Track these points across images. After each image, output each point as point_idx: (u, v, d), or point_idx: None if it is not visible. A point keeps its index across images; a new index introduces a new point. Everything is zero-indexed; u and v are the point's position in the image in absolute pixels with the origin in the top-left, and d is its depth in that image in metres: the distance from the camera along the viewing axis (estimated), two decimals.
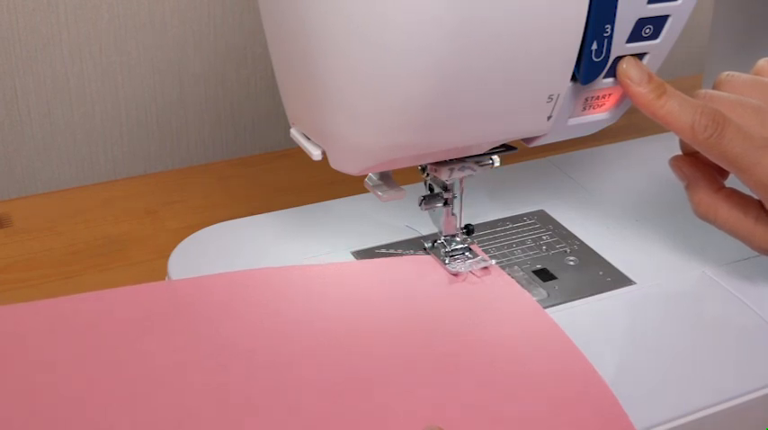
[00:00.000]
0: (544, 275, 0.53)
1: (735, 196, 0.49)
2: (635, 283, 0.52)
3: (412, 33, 0.40)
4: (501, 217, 0.58)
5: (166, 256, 0.53)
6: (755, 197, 0.49)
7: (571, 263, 0.54)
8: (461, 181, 0.51)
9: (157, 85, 0.75)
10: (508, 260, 0.54)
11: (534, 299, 0.50)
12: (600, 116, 0.49)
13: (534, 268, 0.54)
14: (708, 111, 0.46)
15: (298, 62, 0.46)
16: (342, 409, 0.42)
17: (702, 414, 0.44)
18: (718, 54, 0.67)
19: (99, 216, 0.65)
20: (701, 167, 0.50)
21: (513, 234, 0.57)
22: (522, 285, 0.51)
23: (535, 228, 0.57)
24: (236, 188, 0.70)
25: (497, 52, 0.42)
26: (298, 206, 0.59)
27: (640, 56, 0.47)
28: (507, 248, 0.55)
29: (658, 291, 0.52)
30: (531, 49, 0.43)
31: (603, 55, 0.45)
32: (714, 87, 0.50)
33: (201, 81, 0.76)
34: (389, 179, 0.50)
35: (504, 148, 0.50)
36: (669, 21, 0.46)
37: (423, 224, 0.55)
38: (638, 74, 0.47)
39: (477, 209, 0.58)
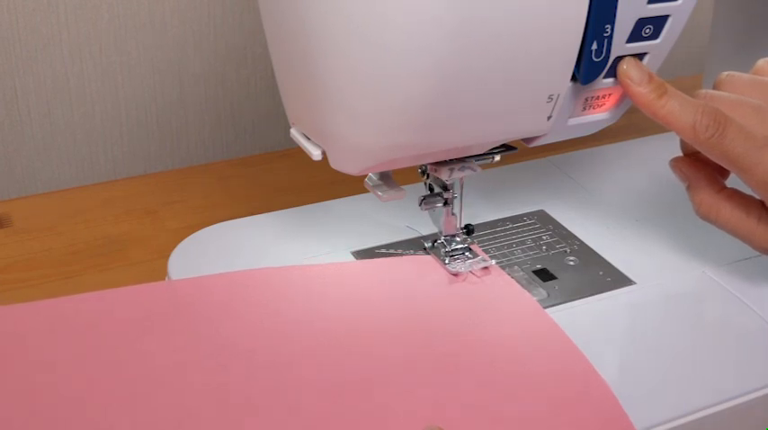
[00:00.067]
0: (544, 275, 0.53)
1: (737, 196, 0.49)
2: (635, 283, 0.52)
3: (412, 33, 0.40)
4: (501, 217, 0.58)
5: (166, 256, 0.53)
6: (757, 197, 0.49)
7: (571, 263, 0.54)
8: (461, 181, 0.51)
9: (157, 85, 0.75)
10: (508, 260, 0.54)
11: (534, 299, 0.50)
12: (600, 116, 0.49)
13: (534, 268, 0.54)
14: (709, 111, 0.46)
15: (298, 62, 0.46)
16: (342, 409, 0.42)
17: (702, 414, 0.44)
18: (718, 54, 0.67)
19: (99, 216, 0.65)
20: (701, 168, 0.50)
21: (513, 234, 0.57)
22: (522, 285, 0.51)
23: (535, 228, 0.57)
24: (236, 188, 0.70)
25: (497, 52, 0.42)
26: (298, 206, 0.59)
27: (640, 56, 0.47)
28: (507, 248, 0.55)
29: (658, 291, 0.52)
30: (531, 49, 0.43)
31: (603, 55, 0.45)
32: (714, 87, 0.50)
33: (201, 81, 0.76)
34: (389, 179, 0.50)
35: (504, 148, 0.50)
36: (669, 21, 0.46)
37: (423, 224, 0.55)
38: (638, 74, 0.47)
39: (477, 209, 0.58)
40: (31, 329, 0.45)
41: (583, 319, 0.49)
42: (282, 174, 0.72)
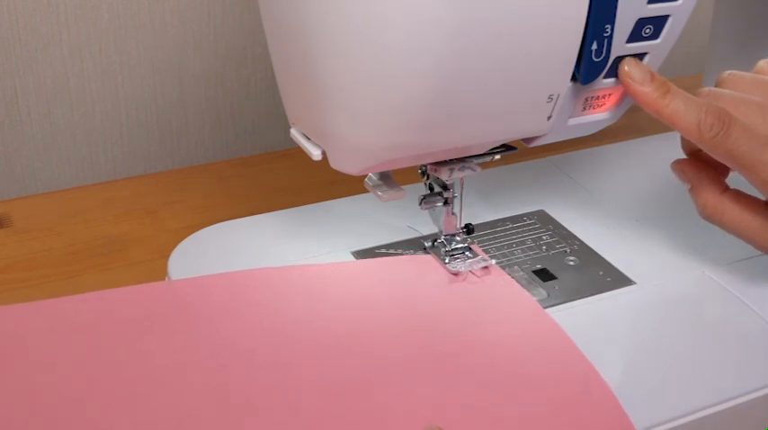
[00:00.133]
0: (544, 275, 0.53)
1: (741, 197, 0.49)
2: (635, 283, 0.52)
3: (412, 33, 0.40)
4: (501, 217, 0.58)
5: (166, 256, 0.53)
6: (760, 196, 0.49)
7: (571, 263, 0.54)
8: (461, 180, 0.51)
9: (157, 85, 0.75)
10: (508, 260, 0.54)
11: (534, 299, 0.50)
12: (600, 116, 0.49)
13: (534, 268, 0.54)
14: (713, 110, 0.46)
15: (298, 62, 0.46)
16: (342, 409, 0.42)
17: (702, 414, 0.44)
18: (718, 54, 0.67)
19: (99, 216, 0.65)
20: (704, 169, 0.50)
21: (513, 234, 0.57)
22: (522, 285, 0.51)
23: (535, 228, 0.57)
24: (236, 188, 0.70)
25: (497, 52, 0.42)
26: (298, 206, 0.59)
27: (640, 56, 0.47)
28: (507, 248, 0.55)
29: (658, 291, 0.52)
30: (531, 49, 0.43)
31: (603, 55, 0.45)
32: (716, 86, 0.50)
33: (201, 81, 0.76)
34: (389, 179, 0.50)
35: (504, 148, 0.50)
36: (669, 21, 0.46)
37: (423, 224, 0.55)
38: (640, 74, 0.46)
39: (477, 208, 0.58)
40: (31, 329, 0.45)
41: (583, 319, 0.49)
42: (282, 174, 0.72)
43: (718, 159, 0.48)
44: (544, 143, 0.49)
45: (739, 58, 0.65)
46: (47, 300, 0.47)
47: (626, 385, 0.44)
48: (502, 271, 0.52)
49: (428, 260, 0.52)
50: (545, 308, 0.49)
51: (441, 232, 0.52)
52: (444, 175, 0.49)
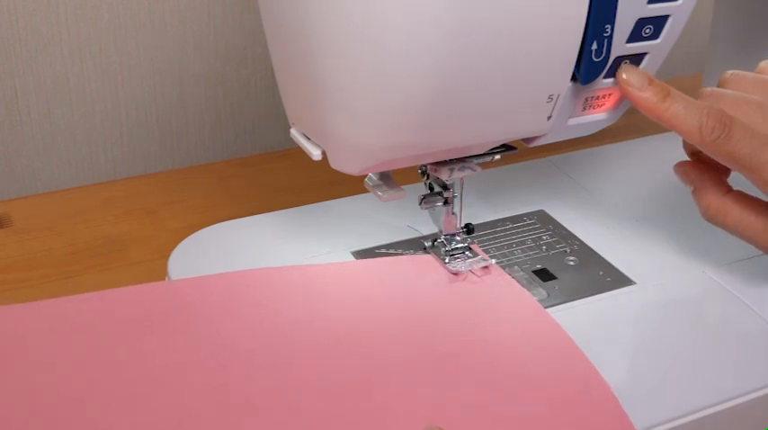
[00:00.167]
0: (544, 275, 0.53)
1: (744, 198, 0.49)
2: (635, 283, 0.52)
3: (412, 33, 0.40)
4: (501, 217, 0.58)
5: (166, 256, 0.53)
6: (763, 197, 0.48)
7: (571, 263, 0.54)
8: (461, 180, 0.51)
9: (157, 85, 0.75)
10: (508, 260, 0.54)
11: (535, 298, 0.50)
12: (600, 116, 0.49)
13: (534, 268, 0.54)
14: (714, 113, 0.46)
15: (298, 62, 0.45)
16: (342, 409, 0.42)
17: (702, 414, 0.44)
18: (718, 54, 0.67)
19: (99, 216, 0.65)
20: (706, 171, 0.50)
21: (513, 234, 0.57)
22: (522, 285, 0.51)
23: (535, 228, 0.57)
24: (236, 188, 0.70)
25: (497, 52, 0.42)
26: (298, 206, 0.59)
27: (640, 56, 0.47)
28: (507, 248, 0.55)
29: (658, 291, 0.52)
30: (531, 49, 0.43)
31: (603, 55, 0.45)
32: (718, 86, 0.50)
33: (201, 81, 0.76)
34: (389, 179, 0.50)
35: (504, 148, 0.50)
36: (669, 21, 0.46)
37: (423, 224, 0.55)
38: (638, 79, 0.46)
39: (477, 208, 0.58)
40: (31, 329, 0.45)
41: (583, 319, 0.49)
42: (282, 174, 0.72)
43: (720, 162, 0.48)
44: (544, 143, 0.49)
45: (739, 58, 0.65)
46: (47, 300, 0.47)
47: (626, 385, 0.44)
48: (502, 270, 0.52)
49: (428, 260, 0.52)
50: (545, 308, 0.49)
51: (441, 232, 0.52)
52: (444, 175, 0.49)
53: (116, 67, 0.73)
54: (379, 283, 0.51)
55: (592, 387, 0.44)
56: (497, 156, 0.50)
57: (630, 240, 0.56)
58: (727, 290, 0.52)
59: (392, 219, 0.57)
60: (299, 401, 0.42)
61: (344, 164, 0.47)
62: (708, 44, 0.68)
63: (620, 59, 0.46)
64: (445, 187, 0.51)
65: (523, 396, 0.43)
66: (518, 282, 0.51)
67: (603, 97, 0.48)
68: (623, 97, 0.49)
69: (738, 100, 0.48)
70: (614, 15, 0.44)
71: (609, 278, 0.53)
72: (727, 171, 0.50)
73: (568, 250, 0.55)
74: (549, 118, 0.46)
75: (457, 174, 0.49)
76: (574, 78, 0.45)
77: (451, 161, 0.49)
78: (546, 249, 0.55)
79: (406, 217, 0.56)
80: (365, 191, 0.50)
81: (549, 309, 0.49)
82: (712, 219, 0.50)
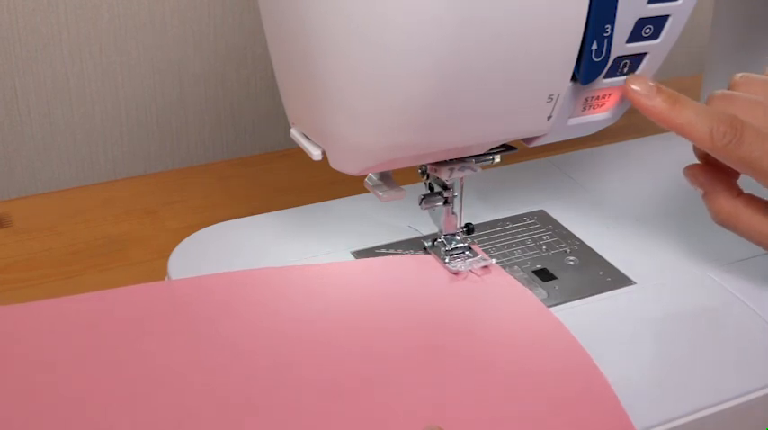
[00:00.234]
0: (544, 275, 0.53)
1: (755, 201, 0.49)
2: (635, 283, 0.52)
3: (412, 33, 0.40)
4: (501, 217, 0.58)
5: (166, 256, 0.53)
6: None
7: (571, 263, 0.54)
8: (461, 180, 0.51)
9: (157, 85, 0.75)
10: (508, 260, 0.54)
11: (536, 297, 0.50)
12: (600, 116, 0.49)
13: (534, 268, 0.54)
14: (725, 118, 0.46)
15: (298, 62, 0.45)
16: (342, 409, 0.42)
17: (702, 414, 0.44)
18: (718, 54, 0.67)
19: (99, 216, 0.65)
20: (717, 174, 0.50)
21: (513, 234, 0.57)
22: (522, 285, 0.51)
23: (535, 228, 0.57)
24: (236, 188, 0.70)
25: (497, 52, 0.42)
26: (298, 206, 0.59)
27: (640, 56, 0.47)
28: (507, 248, 0.55)
29: (658, 291, 0.52)
30: (531, 49, 0.43)
31: (603, 55, 0.45)
32: (729, 88, 0.50)
33: (201, 81, 0.76)
34: (389, 179, 0.50)
35: (504, 148, 0.50)
36: (669, 21, 0.46)
37: (423, 224, 0.55)
38: (646, 88, 0.46)
39: (477, 208, 0.58)
40: (31, 329, 0.45)
41: (583, 319, 0.49)
42: (282, 174, 0.72)
43: (732, 166, 0.47)
44: (544, 143, 0.49)
45: (739, 58, 0.65)
46: (47, 300, 0.47)
47: (626, 385, 0.44)
48: (502, 270, 0.52)
49: (428, 260, 0.52)
50: None
51: (441, 232, 0.52)
52: (444, 175, 0.49)
53: (116, 67, 0.73)
54: (378, 283, 0.51)
55: (593, 385, 0.44)
56: (497, 159, 0.50)
57: (630, 240, 0.56)
58: (727, 290, 0.52)
59: (392, 219, 0.57)
60: (298, 401, 0.42)
61: (344, 164, 0.47)
62: (708, 44, 0.68)
63: (620, 59, 0.46)
64: (445, 187, 0.51)
65: (524, 395, 0.43)
66: (518, 281, 0.51)
67: (603, 97, 0.48)
68: (623, 97, 0.48)
69: (751, 103, 0.47)
70: (614, 15, 0.44)
71: (609, 278, 0.53)
72: (736, 174, 0.50)
73: (568, 250, 0.55)
74: (549, 118, 0.46)
75: (457, 175, 0.49)
76: (574, 78, 0.45)
77: (451, 161, 0.49)
78: (546, 249, 0.55)
79: (406, 217, 0.56)
80: (365, 191, 0.50)
81: (549, 309, 0.49)
82: (723, 222, 0.49)
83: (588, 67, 0.45)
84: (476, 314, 0.49)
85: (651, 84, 0.47)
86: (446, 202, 0.51)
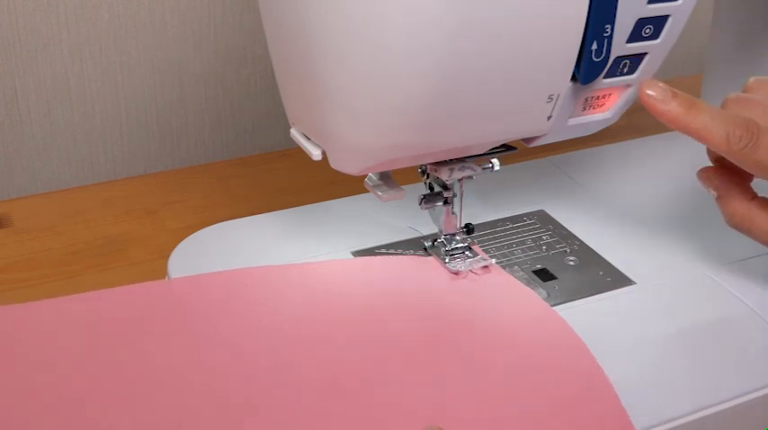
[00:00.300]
0: (544, 275, 0.53)
1: None
2: (635, 283, 0.52)
3: (412, 33, 0.40)
4: (501, 217, 0.58)
5: (166, 256, 0.53)
6: None
7: (571, 263, 0.54)
8: (461, 182, 0.51)
9: (157, 85, 0.75)
10: (508, 260, 0.54)
11: (537, 295, 0.50)
12: (600, 116, 0.49)
13: (534, 268, 0.54)
14: (741, 122, 0.46)
15: (298, 62, 0.46)
16: (342, 409, 0.42)
17: (702, 414, 0.44)
18: (718, 54, 0.67)
19: (99, 216, 0.65)
20: (731, 177, 0.50)
21: (513, 234, 0.57)
22: (524, 285, 0.51)
23: (535, 228, 0.57)
24: (236, 188, 0.70)
25: (497, 52, 0.42)
26: (298, 206, 0.59)
27: (640, 56, 0.47)
28: (507, 248, 0.55)
29: (658, 291, 0.52)
30: (531, 49, 0.43)
31: (603, 55, 0.45)
32: (743, 92, 0.50)
33: (201, 81, 0.76)
34: (389, 179, 0.50)
35: (504, 148, 0.50)
36: (669, 21, 0.46)
37: (423, 224, 0.55)
38: (661, 92, 0.46)
39: (477, 208, 0.58)
40: (31, 329, 0.45)
41: (583, 319, 0.49)
42: (282, 174, 0.72)
43: (747, 170, 0.47)
44: (544, 143, 0.49)
45: (739, 58, 0.65)
46: (47, 300, 0.47)
47: (626, 385, 0.44)
48: (502, 270, 0.52)
49: (429, 260, 0.52)
50: None
51: (441, 232, 0.52)
52: (444, 175, 0.49)
53: (116, 67, 0.73)
54: (378, 281, 0.51)
55: (595, 385, 0.44)
56: (497, 167, 0.50)
57: (630, 240, 0.56)
58: (727, 289, 0.52)
59: (392, 219, 0.57)
60: (298, 401, 0.42)
61: (344, 164, 0.47)
62: (708, 44, 0.68)
63: (620, 59, 0.46)
64: (445, 187, 0.51)
65: (524, 394, 0.43)
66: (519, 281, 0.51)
67: (603, 97, 0.48)
68: (623, 97, 0.49)
69: (765, 106, 0.47)
70: (614, 15, 0.44)
71: (609, 278, 0.53)
72: (750, 176, 0.50)
73: (568, 250, 0.55)
74: (549, 118, 0.46)
75: (457, 175, 0.49)
76: (574, 78, 0.45)
77: (451, 161, 0.49)
78: (546, 249, 0.55)
79: (407, 217, 0.56)
80: (365, 191, 0.50)
81: (553, 308, 0.49)
82: (737, 225, 0.49)
83: (588, 67, 0.45)
84: (477, 312, 0.49)
85: (666, 88, 0.46)
86: (446, 202, 0.51)
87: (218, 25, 0.75)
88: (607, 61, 0.45)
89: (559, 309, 0.50)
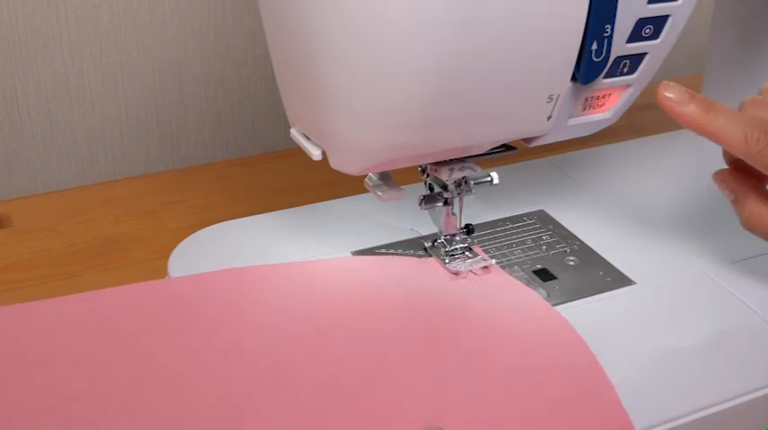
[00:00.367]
0: (544, 275, 0.53)
1: None
2: (635, 283, 0.52)
3: (412, 33, 0.40)
4: (501, 217, 0.58)
5: (166, 256, 0.53)
6: None
7: (571, 263, 0.54)
8: (461, 181, 0.51)
9: (157, 85, 0.75)
10: (508, 260, 0.54)
11: (538, 294, 0.50)
12: (600, 116, 0.49)
13: (534, 268, 0.54)
14: (759, 124, 0.46)
15: (298, 62, 0.46)
16: (342, 409, 0.42)
17: (702, 414, 0.44)
18: (718, 54, 0.67)
19: (99, 216, 0.65)
20: (747, 180, 0.50)
21: (513, 234, 0.57)
22: (522, 284, 0.51)
23: (535, 228, 0.57)
24: (236, 188, 0.70)
25: (497, 52, 0.42)
26: (298, 206, 0.59)
27: (640, 56, 0.47)
28: (507, 248, 0.55)
29: (658, 290, 0.52)
30: (531, 49, 0.43)
31: (603, 55, 0.45)
32: (760, 94, 0.50)
33: (201, 81, 0.76)
34: (389, 179, 0.50)
35: (504, 148, 0.50)
36: (669, 21, 0.46)
37: (423, 224, 0.55)
38: (679, 94, 0.46)
39: (477, 209, 0.58)
40: (31, 329, 0.45)
41: (583, 319, 0.49)
42: (282, 174, 0.72)
43: (765, 172, 0.47)
44: (544, 143, 0.49)
45: (739, 58, 0.65)
46: (47, 300, 0.47)
47: (626, 385, 0.44)
48: (502, 270, 0.52)
49: (429, 261, 0.52)
50: None
51: (441, 232, 0.52)
52: (444, 176, 0.49)
53: (116, 67, 0.73)
54: (379, 279, 0.51)
55: (595, 384, 0.44)
56: (496, 181, 0.50)
57: (630, 240, 0.56)
58: (727, 289, 0.52)
59: (392, 219, 0.57)
60: (299, 400, 0.42)
61: (344, 164, 0.47)
62: (708, 44, 0.68)
63: (620, 59, 0.46)
64: (445, 187, 0.51)
65: (524, 394, 0.43)
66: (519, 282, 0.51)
67: (603, 97, 0.48)
68: (623, 97, 0.49)
69: None
70: (614, 15, 0.44)
71: (609, 278, 0.53)
72: (767, 179, 0.50)
73: (568, 250, 0.55)
74: (549, 118, 0.46)
75: (457, 175, 0.49)
76: (574, 78, 0.45)
77: (451, 161, 0.49)
78: (546, 249, 0.55)
79: (407, 217, 0.56)
80: (365, 191, 0.50)
81: (554, 308, 0.49)
82: (754, 227, 0.49)
83: (588, 67, 0.45)
84: (477, 311, 0.49)
85: (684, 90, 0.46)
86: (446, 203, 0.51)
87: (218, 25, 0.75)
88: (607, 61, 0.45)
89: (559, 309, 0.50)
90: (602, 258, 0.54)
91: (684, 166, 0.64)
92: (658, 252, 0.55)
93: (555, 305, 0.50)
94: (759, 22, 0.63)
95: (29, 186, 0.74)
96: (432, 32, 0.40)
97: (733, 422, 0.45)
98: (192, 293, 0.48)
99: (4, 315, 0.46)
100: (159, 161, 0.77)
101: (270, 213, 0.58)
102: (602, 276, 0.53)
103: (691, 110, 0.46)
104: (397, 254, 0.53)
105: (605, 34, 0.44)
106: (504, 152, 0.50)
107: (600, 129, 0.50)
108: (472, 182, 0.51)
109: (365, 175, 0.49)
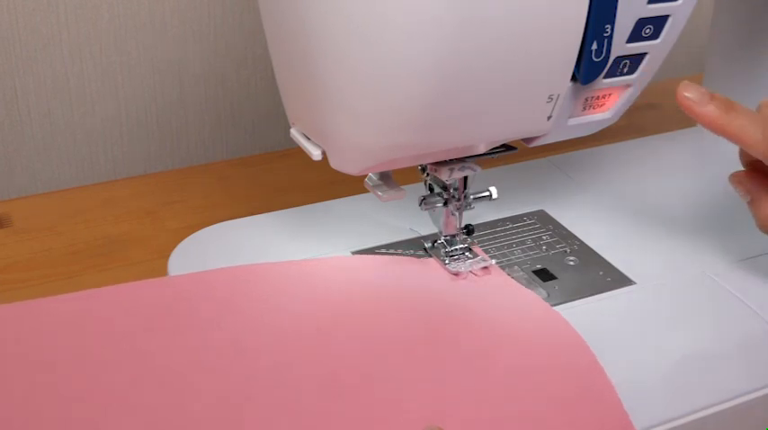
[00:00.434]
0: (544, 275, 0.53)
1: None
2: (635, 283, 0.52)
3: (412, 33, 0.40)
4: (501, 217, 0.58)
5: (166, 256, 0.53)
6: None
7: (571, 263, 0.54)
8: (460, 181, 0.51)
9: (157, 85, 0.75)
10: (508, 260, 0.54)
11: (537, 295, 0.50)
12: (600, 116, 0.49)
13: (534, 268, 0.54)
14: None
15: (298, 62, 0.46)
16: (342, 408, 0.42)
17: (703, 414, 0.44)
18: (718, 54, 0.67)
19: (99, 216, 0.65)
20: (764, 181, 0.49)
21: (513, 234, 0.57)
22: (522, 285, 0.51)
23: (535, 228, 0.57)
24: (236, 188, 0.70)
25: (497, 52, 0.42)
26: (298, 206, 0.59)
27: (640, 56, 0.47)
28: (507, 248, 0.55)
29: (658, 291, 0.52)
30: (531, 49, 0.43)
31: (603, 55, 0.45)
32: None
33: (201, 81, 0.76)
34: (389, 179, 0.50)
35: (504, 148, 0.50)
36: (669, 21, 0.46)
37: (423, 224, 0.55)
38: (699, 95, 0.46)
39: (477, 209, 0.58)
40: (30, 328, 0.45)
41: (583, 319, 0.49)
42: (282, 174, 0.72)
43: None
44: (544, 143, 0.49)
45: (739, 57, 0.65)
46: (46, 298, 0.47)
47: (626, 385, 0.44)
48: (502, 271, 0.52)
49: (429, 261, 0.52)
50: None
51: (441, 233, 0.52)
52: (444, 176, 0.49)
53: (116, 67, 0.73)
54: (379, 278, 0.51)
55: (595, 384, 0.44)
56: (495, 195, 0.51)
57: (630, 240, 0.56)
58: (727, 289, 0.52)
59: (392, 219, 0.57)
60: (299, 399, 0.42)
61: (344, 164, 0.47)
62: (708, 44, 0.68)
63: (620, 59, 0.46)
64: (445, 188, 0.51)
65: (524, 394, 0.43)
66: (518, 282, 0.51)
67: (603, 97, 0.48)
68: (623, 96, 0.49)
69: None
70: (614, 15, 0.44)
71: (609, 278, 0.53)
72: None
73: (568, 250, 0.55)
74: (549, 118, 0.46)
75: (457, 175, 0.49)
76: (574, 78, 0.45)
77: (451, 161, 0.49)
78: (546, 249, 0.55)
79: (407, 217, 0.56)
80: (365, 191, 0.50)
81: (553, 308, 0.49)
82: None
83: (588, 67, 0.45)
84: (477, 311, 0.49)
85: (703, 91, 0.46)
86: (446, 204, 0.51)
87: (218, 25, 0.75)
88: (607, 61, 0.45)
89: (559, 309, 0.50)
90: (602, 258, 0.54)
91: (684, 166, 0.64)
92: (658, 252, 0.55)
93: (555, 305, 0.50)
94: (759, 22, 0.63)
95: (29, 186, 0.74)
96: (432, 32, 0.40)
97: (733, 422, 0.45)
98: (192, 291, 0.48)
99: (5, 315, 0.46)
100: (159, 161, 0.77)
101: (270, 213, 0.58)
102: (602, 276, 0.53)
103: (710, 110, 0.46)
104: (397, 254, 0.53)
105: (605, 34, 0.44)
106: (504, 152, 0.50)
107: (600, 129, 0.50)
108: (471, 196, 0.51)
109: (365, 175, 0.49)
